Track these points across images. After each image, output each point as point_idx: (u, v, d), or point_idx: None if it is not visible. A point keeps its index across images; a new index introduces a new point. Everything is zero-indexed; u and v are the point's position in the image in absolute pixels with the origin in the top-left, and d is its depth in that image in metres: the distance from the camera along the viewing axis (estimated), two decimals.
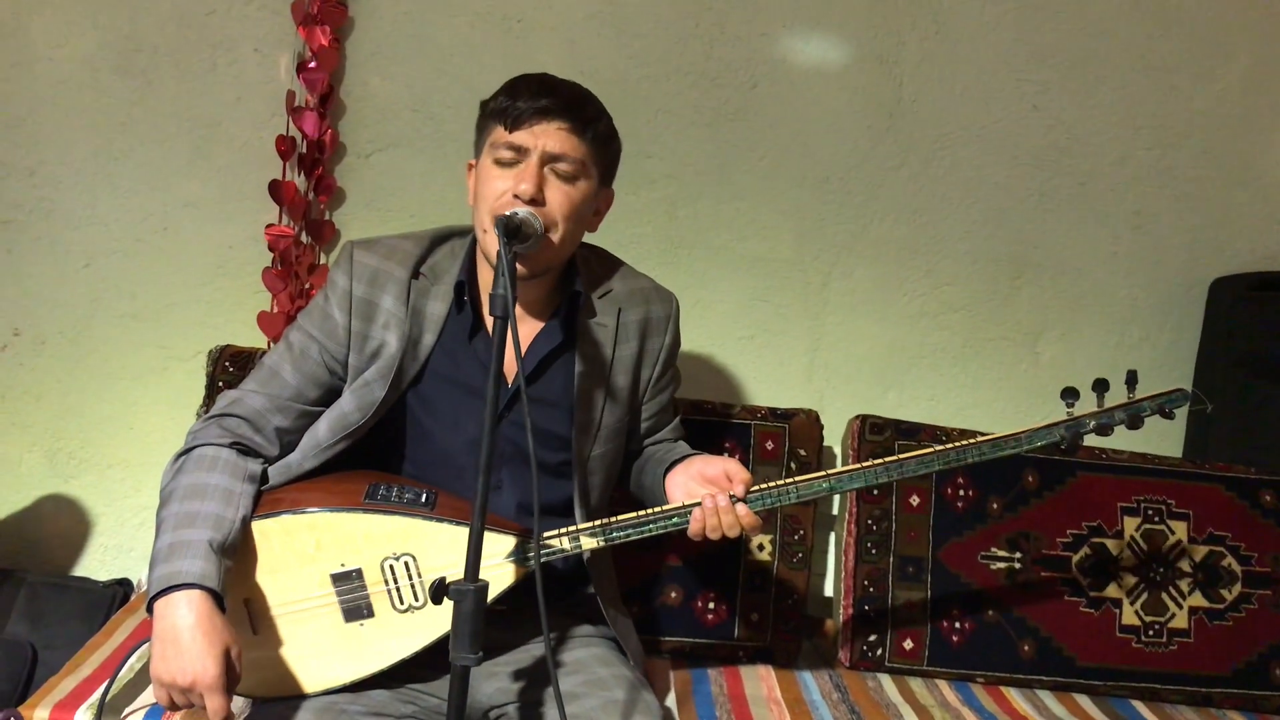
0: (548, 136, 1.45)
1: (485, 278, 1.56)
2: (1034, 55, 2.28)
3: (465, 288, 1.54)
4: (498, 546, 1.45)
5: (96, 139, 2.16)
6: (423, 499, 1.47)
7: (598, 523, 1.48)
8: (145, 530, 2.27)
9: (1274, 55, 2.31)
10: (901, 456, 1.52)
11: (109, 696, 1.54)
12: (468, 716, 1.52)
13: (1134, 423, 1.58)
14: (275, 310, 2.18)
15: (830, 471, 1.51)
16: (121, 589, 2.13)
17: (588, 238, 1.61)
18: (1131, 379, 1.60)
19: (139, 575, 2.19)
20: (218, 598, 1.31)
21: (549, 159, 1.46)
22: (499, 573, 1.45)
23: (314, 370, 1.54)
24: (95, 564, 2.27)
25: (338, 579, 1.44)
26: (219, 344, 2.04)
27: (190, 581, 1.30)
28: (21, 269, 2.19)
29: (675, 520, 1.47)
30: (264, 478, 1.51)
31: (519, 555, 1.46)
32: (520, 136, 1.45)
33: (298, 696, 1.43)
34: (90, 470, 2.25)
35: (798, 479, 1.49)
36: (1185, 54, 2.30)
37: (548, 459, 1.58)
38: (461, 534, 1.41)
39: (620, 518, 1.48)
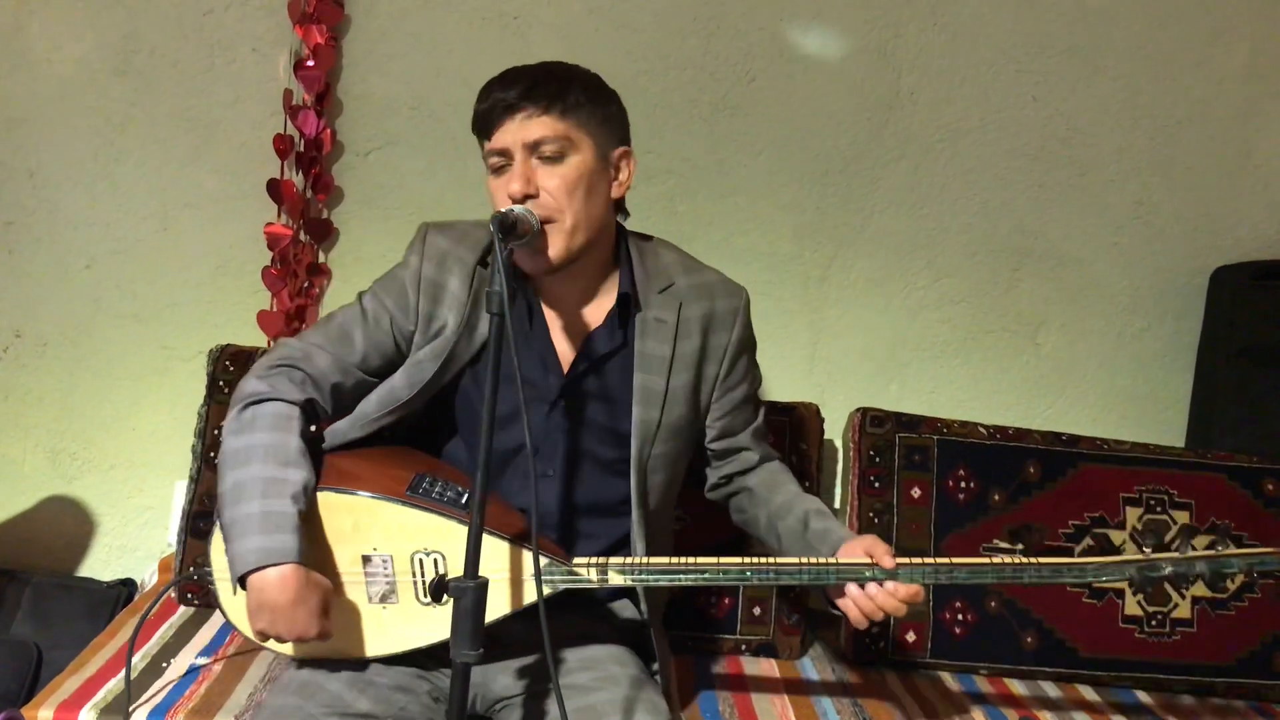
0: (520, 129, 1.42)
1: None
2: (1033, 46, 2.27)
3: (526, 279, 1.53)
4: (529, 560, 1.43)
5: (96, 140, 2.16)
6: (463, 499, 1.46)
7: (630, 560, 1.46)
8: (148, 530, 2.28)
9: (1274, 43, 2.30)
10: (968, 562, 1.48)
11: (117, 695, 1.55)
12: (481, 706, 1.54)
13: (1215, 580, 1.49)
14: (275, 309, 2.18)
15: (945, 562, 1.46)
16: (125, 589, 2.14)
17: (635, 218, 1.59)
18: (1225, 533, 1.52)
19: (142, 575, 2.20)
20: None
21: (531, 148, 1.43)
22: (524, 592, 1.44)
23: (382, 340, 1.54)
24: (99, 564, 2.28)
25: (368, 560, 1.45)
26: (220, 343, 2.04)
27: (285, 560, 1.33)
28: (22, 270, 2.20)
29: (706, 576, 1.46)
30: (318, 441, 1.53)
31: (545, 577, 1.43)
32: (498, 140, 1.44)
33: (333, 660, 1.46)
34: (93, 470, 2.26)
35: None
36: (1185, 43, 2.29)
37: (603, 455, 1.57)
38: (493, 543, 1.42)
39: (652, 561, 1.46)
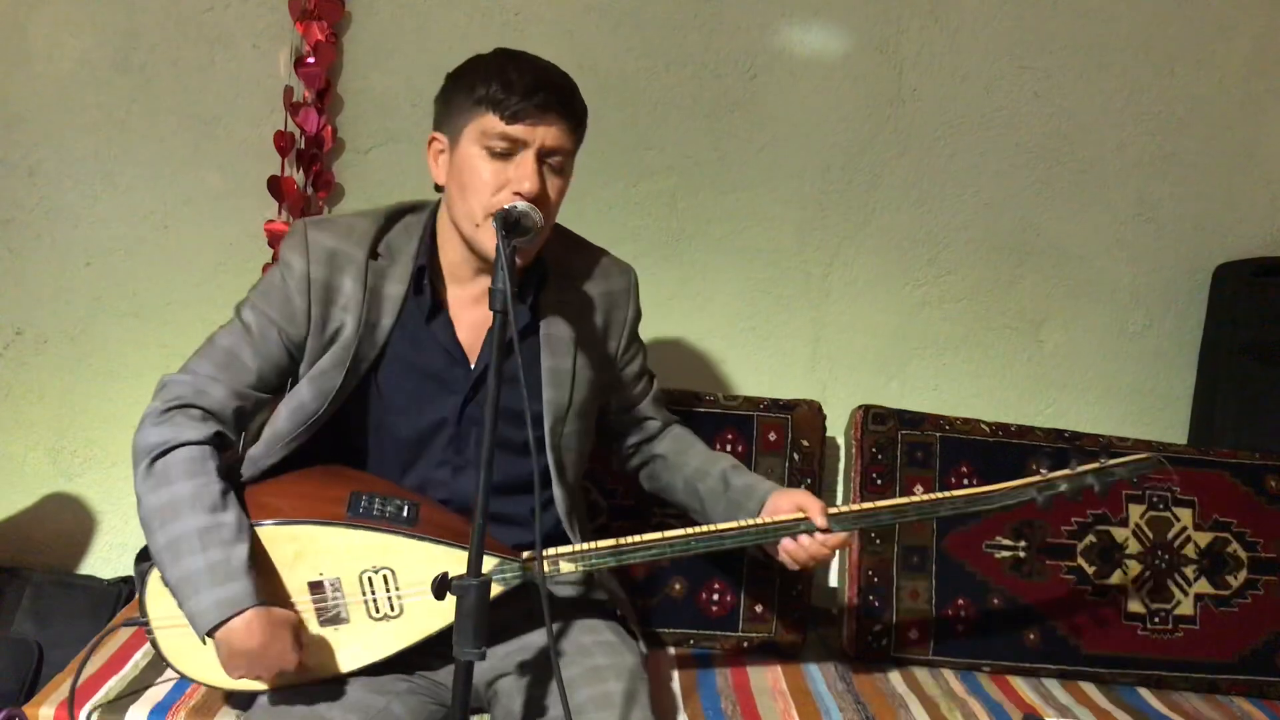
0: (546, 132, 1.42)
1: (448, 258, 1.54)
2: (1035, 43, 2.26)
3: (425, 271, 1.52)
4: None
5: (96, 137, 2.15)
6: (404, 513, 1.46)
7: (584, 548, 1.50)
8: None
9: (1275, 40, 2.30)
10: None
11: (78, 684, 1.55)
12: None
13: (1104, 489, 1.67)
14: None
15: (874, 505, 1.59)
16: (126, 586, 2.13)
17: (593, 209, 1.61)
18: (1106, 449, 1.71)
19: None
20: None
21: (545, 153, 1.43)
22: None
23: (273, 353, 1.49)
24: (100, 562, 2.27)
25: (315, 586, 1.44)
26: None
27: (244, 606, 1.33)
28: (22, 268, 2.19)
29: (654, 551, 1.50)
30: (236, 472, 1.50)
31: (500, 574, 1.46)
32: (520, 130, 1.41)
33: (305, 684, 1.44)
34: (94, 468, 2.25)
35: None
36: (1187, 40, 2.28)
37: (515, 437, 1.56)
38: (440, 551, 1.45)
39: (599, 544, 1.50)
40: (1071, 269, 2.36)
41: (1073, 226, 2.34)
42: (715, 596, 2.00)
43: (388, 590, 1.45)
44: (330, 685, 1.44)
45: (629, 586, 1.85)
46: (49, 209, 2.17)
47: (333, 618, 1.45)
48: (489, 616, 1.23)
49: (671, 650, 1.99)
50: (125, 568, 2.26)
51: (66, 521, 2.26)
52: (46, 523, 2.26)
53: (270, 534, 1.43)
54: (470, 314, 1.55)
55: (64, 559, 2.26)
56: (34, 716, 1.52)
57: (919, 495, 1.62)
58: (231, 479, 1.45)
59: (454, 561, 1.42)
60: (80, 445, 2.25)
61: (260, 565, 1.40)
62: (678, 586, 1.99)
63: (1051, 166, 2.31)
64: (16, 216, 2.17)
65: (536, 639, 1.56)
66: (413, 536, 1.45)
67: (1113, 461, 1.68)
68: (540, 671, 1.51)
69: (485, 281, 1.48)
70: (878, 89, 2.26)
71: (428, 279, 1.53)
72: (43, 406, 2.23)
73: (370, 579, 1.44)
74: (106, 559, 2.28)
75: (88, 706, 1.54)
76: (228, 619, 1.32)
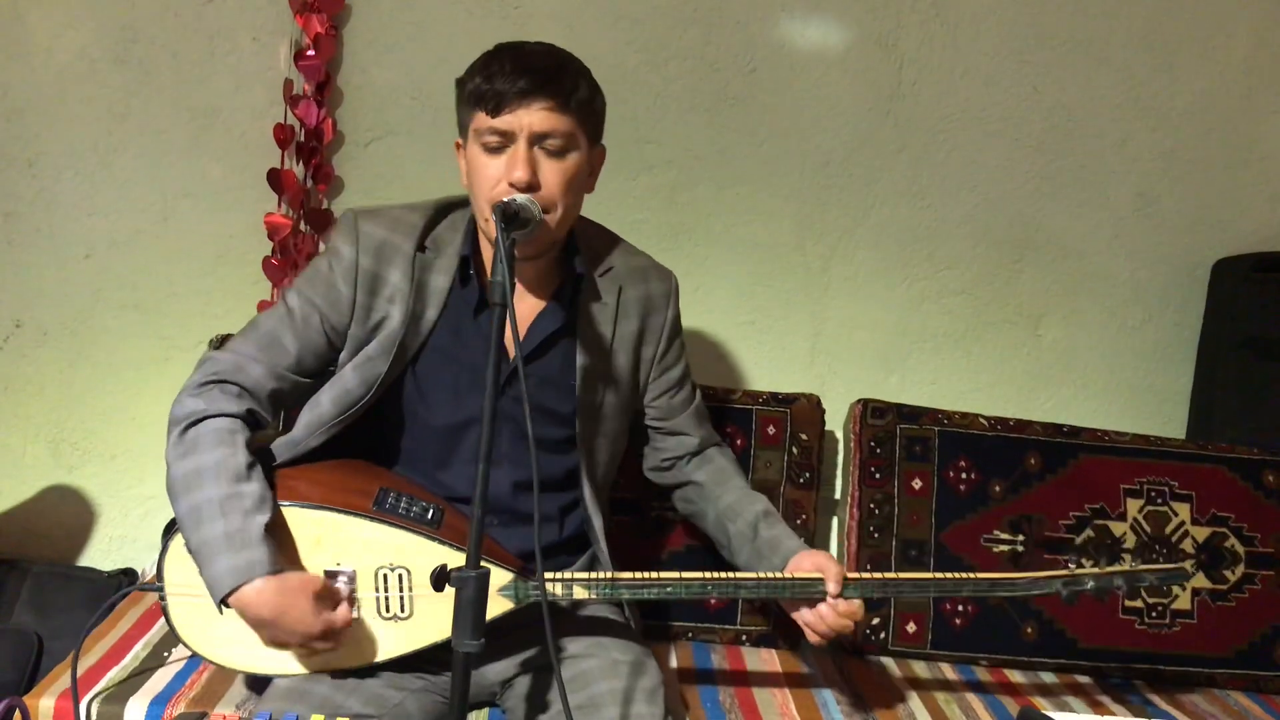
0: (531, 117, 1.42)
1: (489, 253, 1.56)
2: (1035, 37, 2.26)
3: (470, 262, 1.53)
4: (493, 579, 1.42)
5: (95, 129, 2.16)
6: (429, 515, 1.47)
7: (599, 576, 1.49)
8: (149, 520, 2.27)
9: (1276, 35, 2.30)
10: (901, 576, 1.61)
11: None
12: (478, 694, 1.55)
13: (1132, 593, 1.70)
14: (275, 299, 2.18)
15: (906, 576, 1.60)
16: (126, 578, 2.14)
17: (588, 201, 1.60)
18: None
19: (144, 565, 2.20)
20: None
21: (537, 139, 1.43)
22: (490, 605, 1.43)
23: (314, 339, 1.52)
24: (99, 554, 2.28)
25: (330, 575, 1.44)
26: (220, 333, 2.04)
27: (256, 574, 1.33)
28: (22, 261, 2.19)
29: (669, 590, 1.50)
30: (270, 454, 1.51)
31: (513, 591, 1.46)
32: (504, 121, 1.42)
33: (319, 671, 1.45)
34: (93, 460, 2.26)
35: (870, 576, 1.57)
36: (1187, 34, 2.28)
37: (549, 435, 1.58)
38: (460, 558, 1.40)
39: (618, 576, 1.50)
40: (1071, 264, 2.36)
41: (1072, 221, 2.34)
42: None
43: (401, 590, 1.45)
44: (346, 678, 1.45)
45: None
46: (48, 201, 2.18)
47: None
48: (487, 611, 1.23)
49: (670, 643, 1.99)
50: (125, 560, 2.26)
51: (66, 513, 2.27)
52: (46, 515, 2.26)
53: (293, 516, 1.44)
54: (516, 312, 1.55)
55: (64, 551, 2.27)
56: (34, 707, 1.53)
57: (943, 574, 1.61)
58: (263, 460, 1.46)
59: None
60: (80, 437, 2.25)
61: (281, 543, 1.40)
62: None
63: (1051, 161, 2.31)
64: (16, 209, 2.17)
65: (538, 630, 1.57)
66: (434, 539, 1.45)
67: (1144, 568, 1.67)
68: (539, 662, 1.53)
69: (529, 275, 1.55)
70: (877, 83, 2.26)
71: (473, 270, 1.54)
72: (42, 399, 2.23)
73: (385, 576, 1.45)
74: (106, 551, 2.28)
75: (88, 696, 1.55)
76: (240, 586, 1.33)
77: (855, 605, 1.51)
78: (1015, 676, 2.02)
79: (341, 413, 1.52)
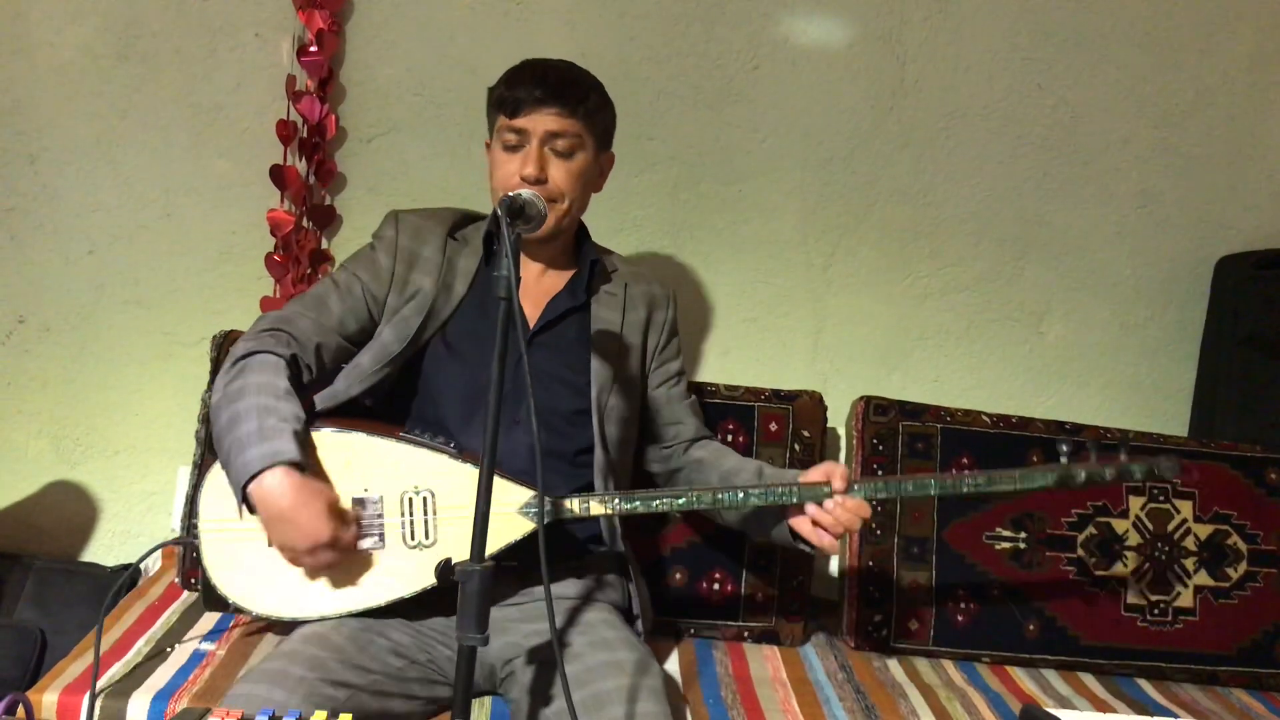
0: (544, 120, 1.61)
1: None
2: (1038, 33, 2.26)
3: (494, 239, 1.68)
4: (511, 495, 1.52)
5: (98, 125, 2.15)
6: (451, 445, 1.56)
7: (609, 494, 1.59)
8: (152, 515, 2.27)
9: (1279, 31, 2.30)
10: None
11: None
12: (480, 675, 1.57)
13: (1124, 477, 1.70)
14: (278, 295, 2.18)
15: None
16: (128, 574, 2.13)
17: (594, 200, 1.73)
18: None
19: (146, 562, 2.20)
20: (301, 467, 1.44)
21: (548, 139, 1.62)
22: (508, 525, 1.52)
23: (356, 305, 1.68)
24: (102, 549, 2.28)
25: (359, 503, 1.53)
26: (222, 329, 2.04)
27: (280, 460, 1.41)
28: (25, 256, 2.19)
29: (681, 501, 1.58)
30: (312, 403, 1.63)
31: (530, 509, 1.53)
32: (520, 122, 1.62)
33: (323, 619, 1.53)
34: (96, 456, 2.26)
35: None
36: (1190, 30, 2.28)
37: (564, 406, 1.69)
38: (472, 475, 1.49)
39: (633, 491, 1.59)
40: (1073, 261, 2.36)
41: (1075, 218, 2.34)
42: (716, 585, 2.00)
43: (425, 514, 1.53)
44: (363, 632, 1.51)
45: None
46: (51, 197, 2.17)
47: (370, 537, 1.53)
48: (492, 597, 1.25)
49: (673, 639, 1.99)
50: (127, 555, 2.26)
51: (69, 509, 2.27)
52: (49, 510, 2.26)
53: (324, 440, 1.54)
54: (534, 288, 1.73)
55: (66, 546, 2.27)
56: (37, 702, 1.53)
57: (942, 474, 1.68)
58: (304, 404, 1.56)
59: (495, 490, 1.43)
60: (83, 433, 2.25)
61: (311, 463, 1.50)
62: (679, 575, 1.99)
63: (1054, 158, 2.31)
64: (18, 204, 2.17)
65: (541, 610, 1.61)
66: (458, 459, 1.55)
67: (1134, 460, 1.69)
68: (545, 646, 1.55)
69: (544, 256, 1.74)
70: (880, 80, 2.26)
71: (496, 246, 1.59)
72: (45, 394, 2.24)
73: (411, 500, 1.53)
74: (109, 546, 2.28)
75: (90, 692, 1.55)
76: (263, 470, 1.40)
77: (862, 501, 1.55)
78: (1017, 673, 2.02)
79: (377, 363, 1.65)
